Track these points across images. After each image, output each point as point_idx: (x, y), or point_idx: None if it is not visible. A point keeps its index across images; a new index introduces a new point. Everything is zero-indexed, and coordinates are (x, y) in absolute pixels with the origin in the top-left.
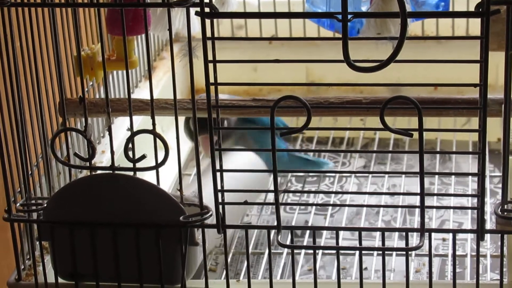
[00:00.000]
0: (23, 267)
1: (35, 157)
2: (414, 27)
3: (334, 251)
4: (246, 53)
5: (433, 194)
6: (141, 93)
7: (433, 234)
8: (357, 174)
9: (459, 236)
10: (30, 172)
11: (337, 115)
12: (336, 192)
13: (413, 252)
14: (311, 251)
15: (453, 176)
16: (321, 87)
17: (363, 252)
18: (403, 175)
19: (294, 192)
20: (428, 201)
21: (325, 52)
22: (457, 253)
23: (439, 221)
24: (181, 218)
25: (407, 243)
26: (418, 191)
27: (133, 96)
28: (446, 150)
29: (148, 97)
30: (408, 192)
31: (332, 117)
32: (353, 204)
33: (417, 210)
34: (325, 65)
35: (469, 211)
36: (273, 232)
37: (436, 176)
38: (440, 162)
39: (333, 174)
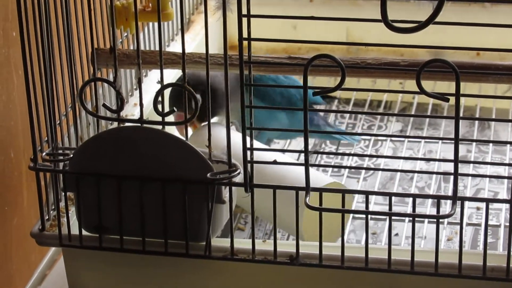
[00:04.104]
0: (47, 217)
1: (64, 107)
2: None
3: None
4: (286, 10)
5: (467, 162)
6: (177, 46)
7: (467, 203)
8: (393, 138)
9: (494, 205)
10: (58, 122)
11: (374, 77)
12: (367, 155)
13: (446, 220)
14: None
15: (490, 144)
16: (361, 49)
17: (394, 218)
18: (440, 141)
19: (324, 153)
20: (464, 169)
21: (367, 13)
22: (491, 223)
23: (474, 190)
24: (208, 175)
25: (438, 211)
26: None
27: (169, 49)
28: (486, 117)
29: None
30: (444, 158)
31: (371, 79)
32: (385, 169)
33: (451, 177)
34: (366, 27)
35: (505, 180)
36: None
37: (474, 143)
38: (479, 129)
39: (369, 137)
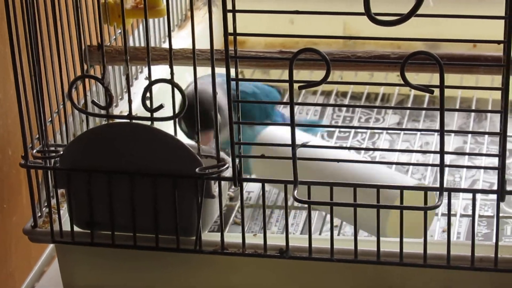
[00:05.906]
0: (40, 214)
1: (56, 104)
2: None
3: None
4: (282, 4)
5: (452, 153)
6: (172, 42)
7: (463, 194)
8: (390, 131)
9: (490, 196)
10: (49, 119)
11: (364, 70)
12: (362, 149)
13: (439, 212)
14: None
15: (486, 136)
16: (357, 43)
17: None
18: (436, 133)
19: (311, 146)
20: (460, 161)
21: (361, 7)
22: (486, 213)
23: (470, 181)
24: (197, 169)
25: (425, 202)
26: (451, 150)
27: (164, 45)
28: (483, 109)
29: (178, 47)
30: (434, 150)
31: (368, 73)
32: (380, 161)
33: (447, 169)
34: (363, 20)
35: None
36: None
37: (469, 135)
38: (475, 121)
39: (365, 130)
